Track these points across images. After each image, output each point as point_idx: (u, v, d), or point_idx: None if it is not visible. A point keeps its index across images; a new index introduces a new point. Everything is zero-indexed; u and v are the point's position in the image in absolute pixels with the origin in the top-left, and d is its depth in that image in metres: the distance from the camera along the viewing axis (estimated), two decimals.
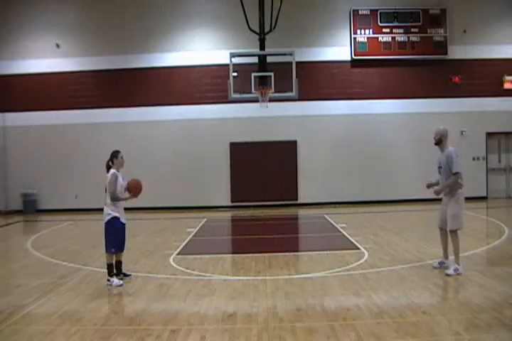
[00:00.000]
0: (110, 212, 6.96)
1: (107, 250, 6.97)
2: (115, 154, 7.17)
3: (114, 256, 7.08)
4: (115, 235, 6.96)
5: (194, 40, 16.67)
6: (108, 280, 6.94)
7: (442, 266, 7.22)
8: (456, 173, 6.87)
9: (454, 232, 7.00)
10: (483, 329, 4.87)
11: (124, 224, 7.13)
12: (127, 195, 7.05)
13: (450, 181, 6.94)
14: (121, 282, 6.90)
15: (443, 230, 7.24)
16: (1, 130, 16.97)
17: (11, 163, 16.92)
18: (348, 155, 16.58)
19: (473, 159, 16.82)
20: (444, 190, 7.00)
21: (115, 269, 7.12)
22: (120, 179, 7.06)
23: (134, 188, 7.04)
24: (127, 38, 16.60)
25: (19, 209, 16.66)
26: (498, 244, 9.21)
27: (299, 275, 7.23)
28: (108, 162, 7.16)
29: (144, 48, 16.62)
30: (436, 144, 7.11)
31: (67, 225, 13.91)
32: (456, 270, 6.82)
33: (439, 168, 7.08)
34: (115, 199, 6.91)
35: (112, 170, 7.06)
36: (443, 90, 16.63)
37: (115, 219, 6.95)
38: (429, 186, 7.24)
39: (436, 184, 7.18)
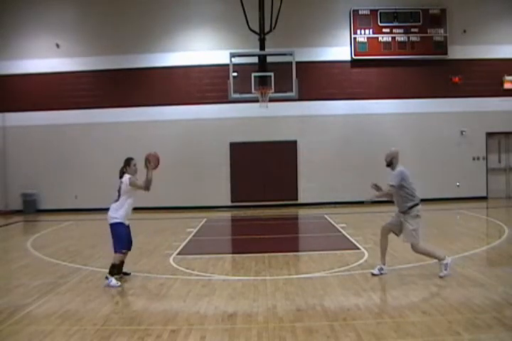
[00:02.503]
0: (114, 216, 7.04)
1: (117, 251, 7.01)
2: (128, 162, 7.18)
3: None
4: (121, 238, 7.02)
5: (194, 40, 16.67)
6: (107, 277, 6.94)
7: (381, 272, 7.12)
8: (391, 186, 6.87)
9: (415, 246, 6.94)
10: (483, 329, 4.87)
11: (128, 225, 7.20)
12: (149, 168, 6.98)
13: (386, 191, 6.97)
14: (119, 283, 6.90)
15: (384, 231, 7.18)
16: (1, 130, 16.98)
17: (11, 163, 16.93)
18: (348, 155, 16.58)
19: (473, 159, 16.83)
20: (380, 198, 7.02)
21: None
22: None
23: (154, 158, 7.03)
24: (127, 37, 16.61)
25: (19, 209, 16.67)
26: (498, 244, 9.21)
27: (299, 275, 7.24)
28: (122, 169, 7.18)
29: (144, 48, 16.62)
30: (387, 166, 7.09)
31: (67, 225, 13.91)
32: (445, 266, 6.80)
33: (391, 186, 7.03)
34: (148, 184, 6.90)
35: (128, 175, 7.07)
36: (443, 90, 16.64)
37: (119, 224, 7.03)
38: (374, 187, 7.16)
39: (380, 190, 7.10)
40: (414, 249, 6.95)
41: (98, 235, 11.91)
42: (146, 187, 6.95)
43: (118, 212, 7.01)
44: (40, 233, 12.45)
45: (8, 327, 5.28)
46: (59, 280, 7.28)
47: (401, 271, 7.26)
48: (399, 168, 7.02)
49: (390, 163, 7.10)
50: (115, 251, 7.04)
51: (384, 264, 7.20)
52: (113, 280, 6.91)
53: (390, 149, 7.22)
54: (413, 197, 6.91)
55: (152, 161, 7.01)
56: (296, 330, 5.00)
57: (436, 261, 7.02)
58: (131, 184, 6.95)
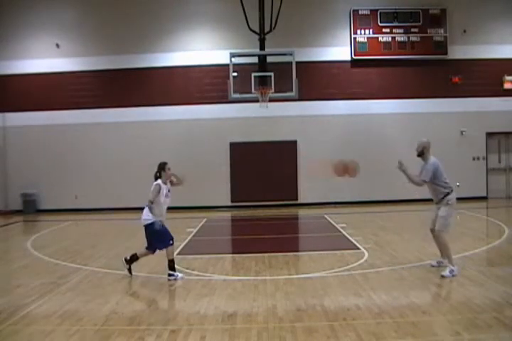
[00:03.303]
0: (145, 218, 7.17)
1: (165, 246, 7.13)
2: (163, 166, 7.26)
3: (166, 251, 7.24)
4: (160, 234, 7.13)
5: (194, 40, 16.66)
6: (171, 274, 7.10)
7: (441, 264, 7.27)
8: (423, 181, 6.98)
9: (438, 233, 6.99)
10: (483, 329, 4.87)
11: (162, 222, 7.27)
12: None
13: (413, 179, 7.01)
14: (183, 275, 7.17)
15: (433, 232, 7.26)
16: (1, 130, 16.97)
17: (11, 163, 16.92)
18: (348, 155, 16.44)
19: (473, 159, 16.83)
20: (403, 171, 7.01)
21: (129, 260, 7.32)
22: (163, 192, 7.18)
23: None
24: (127, 37, 16.60)
25: (19, 209, 16.65)
26: (498, 244, 9.20)
27: (299, 275, 7.24)
28: (156, 173, 7.28)
29: (144, 48, 16.61)
30: (418, 156, 7.17)
31: (67, 225, 13.91)
32: (451, 271, 6.82)
33: (423, 181, 7.07)
34: (150, 208, 7.07)
35: (158, 181, 7.18)
36: (443, 90, 16.63)
37: (151, 224, 7.11)
38: (401, 165, 7.14)
39: (407, 172, 7.10)
40: (437, 235, 7.03)
41: (98, 235, 11.92)
42: (149, 206, 7.08)
43: (150, 213, 7.12)
44: (40, 233, 12.44)
45: (8, 327, 5.28)
46: (59, 280, 7.27)
47: (401, 271, 7.26)
48: (431, 159, 7.07)
49: (422, 153, 7.17)
50: (162, 248, 7.18)
51: (444, 258, 7.21)
52: (179, 275, 7.12)
53: (421, 139, 7.30)
54: (446, 186, 7.00)
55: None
56: (296, 330, 5.00)
57: (439, 260, 7.04)
58: (152, 191, 7.08)
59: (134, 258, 7.36)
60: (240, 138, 16.47)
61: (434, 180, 6.98)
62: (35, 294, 6.52)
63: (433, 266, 7.35)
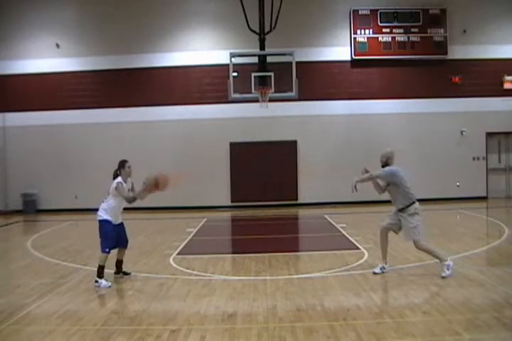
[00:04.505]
0: (101, 214, 7.02)
1: (102, 250, 6.95)
2: (122, 164, 7.18)
3: (116, 255, 7.12)
4: (105, 237, 6.96)
5: (194, 40, 16.67)
6: (96, 281, 6.86)
7: (383, 270, 7.16)
8: (376, 175, 6.99)
9: (417, 243, 6.94)
10: (483, 329, 4.87)
11: (119, 224, 7.15)
12: (146, 189, 6.97)
13: (367, 174, 7.03)
14: (109, 284, 6.83)
15: (384, 232, 7.21)
16: (1, 130, 16.98)
17: (11, 163, 16.93)
18: (348, 155, 16.56)
19: (473, 159, 16.83)
20: (361, 181, 7.02)
21: (115, 268, 7.18)
22: (125, 185, 7.08)
23: (163, 181, 7.01)
24: (127, 37, 16.61)
25: (19, 209, 16.67)
26: (498, 244, 9.20)
27: (299, 275, 7.23)
28: (116, 171, 7.19)
29: (144, 48, 16.62)
30: (382, 167, 7.12)
31: (67, 225, 13.91)
32: (448, 267, 6.78)
33: (387, 185, 7.06)
34: (131, 200, 6.94)
35: (118, 179, 7.08)
36: (443, 90, 16.64)
37: (105, 222, 6.98)
38: (364, 171, 7.15)
39: (366, 173, 7.10)
40: (417, 245, 6.95)
41: (98, 235, 11.91)
42: (129, 201, 6.96)
43: (106, 212, 7.01)
44: (40, 233, 12.44)
45: (8, 327, 5.28)
46: (59, 280, 7.27)
47: (401, 271, 7.26)
48: (392, 167, 7.04)
49: (386, 164, 7.13)
50: (101, 251, 6.95)
51: (386, 263, 7.22)
52: (103, 282, 6.80)
53: (385, 149, 7.26)
54: (408, 195, 6.92)
55: (160, 184, 6.95)
56: (296, 330, 4.99)
57: (437, 261, 7.02)
58: (118, 190, 6.94)
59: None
60: (240, 138, 16.47)
61: (397, 186, 6.87)
62: (35, 294, 6.52)
63: (375, 274, 7.09)
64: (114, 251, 7.15)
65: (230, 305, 5.91)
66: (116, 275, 7.17)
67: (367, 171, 7.14)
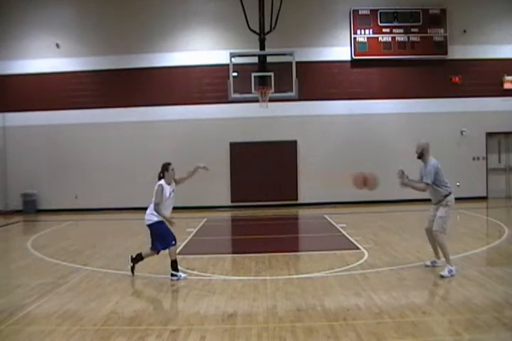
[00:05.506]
0: (150, 218, 7.17)
1: (168, 245, 7.11)
2: (166, 167, 7.25)
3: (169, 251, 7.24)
4: (165, 234, 7.15)
5: (194, 40, 16.66)
6: (173, 275, 7.09)
7: (435, 265, 7.32)
8: (426, 184, 6.98)
9: (437, 234, 6.98)
10: (483, 329, 4.87)
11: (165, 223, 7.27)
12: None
13: (416, 186, 7.09)
14: (187, 275, 7.18)
15: (429, 232, 7.26)
16: (1, 130, 16.96)
17: (11, 163, 16.92)
18: (348, 155, 16.56)
19: (473, 159, 16.83)
20: (406, 186, 7.09)
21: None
22: (167, 192, 7.14)
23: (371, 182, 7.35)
24: (127, 37, 16.60)
25: (19, 209, 16.66)
26: (498, 244, 9.20)
27: (299, 275, 7.23)
28: (160, 174, 7.27)
29: (144, 48, 16.61)
30: (418, 158, 7.21)
31: (67, 225, 13.91)
32: (450, 271, 6.81)
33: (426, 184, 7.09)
34: (156, 210, 7.06)
35: (161, 181, 7.18)
36: (443, 90, 16.63)
37: (157, 223, 7.14)
38: (400, 174, 7.18)
39: (407, 178, 7.15)
40: (434, 236, 7.03)
41: (98, 235, 11.92)
42: (155, 209, 7.06)
43: (154, 215, 7.13)
44: (40, 233, 12.44)
45: (8, 327, 5.28)
46: (59, 280, 7.27)
47: (401, 271, 7.26)
48: (431, 161, 7.09)
49: (421, 155, 7.20)
50: (165, 248, 7.15)
51: (438, 258, 7.30)
52: (182, 275, 7.12)
53: (420, 141, 7.35)
54: (446, 187, 7.01)
55: (369, 184, 7.45)
56: (296, 330, 5.00)
57: (443, 259, 7.05)
58: (155, 192, 7.07)
59: (138, 257, 7.37)
60: (240, 138, 16.46)
61: (435, 181, 6.97)
62: (35, 294, 6.52)
63: (427, 266, 7.38)
64: (121, 253, 7.15)
65: (230, 305, 5.91)
66: (131, 263, 7.28)
67: (403, 173, 7.12)
